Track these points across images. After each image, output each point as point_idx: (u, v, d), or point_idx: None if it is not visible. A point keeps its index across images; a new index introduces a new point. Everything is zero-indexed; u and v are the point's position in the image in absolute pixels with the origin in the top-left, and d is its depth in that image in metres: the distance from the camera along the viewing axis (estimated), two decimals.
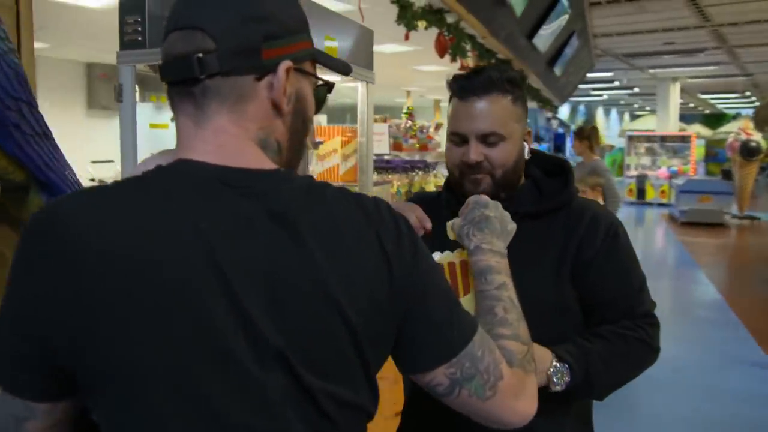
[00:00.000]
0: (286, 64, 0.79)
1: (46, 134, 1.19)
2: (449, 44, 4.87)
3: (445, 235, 1.18)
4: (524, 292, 1.16)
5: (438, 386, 0.82)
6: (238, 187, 0.75)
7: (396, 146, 4.46)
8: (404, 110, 5.17)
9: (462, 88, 1.28)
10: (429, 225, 1.19)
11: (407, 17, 4.22)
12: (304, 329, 0.74)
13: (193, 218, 0.71)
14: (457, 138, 1.29)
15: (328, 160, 2.87)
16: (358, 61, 2.39)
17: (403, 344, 0.81)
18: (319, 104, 0.90)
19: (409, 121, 4.78)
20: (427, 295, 0.82)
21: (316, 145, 2.30)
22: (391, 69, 8.91)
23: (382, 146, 3.77)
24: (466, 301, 1.10)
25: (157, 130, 2.38)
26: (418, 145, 4.79)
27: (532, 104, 10.86)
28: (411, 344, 0.81)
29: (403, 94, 12.41)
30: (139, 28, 1.92)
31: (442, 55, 4.93)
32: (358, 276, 0.77)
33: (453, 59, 5.27)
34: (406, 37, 4.39)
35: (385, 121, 4.51)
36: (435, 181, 3.69)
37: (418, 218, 1.20)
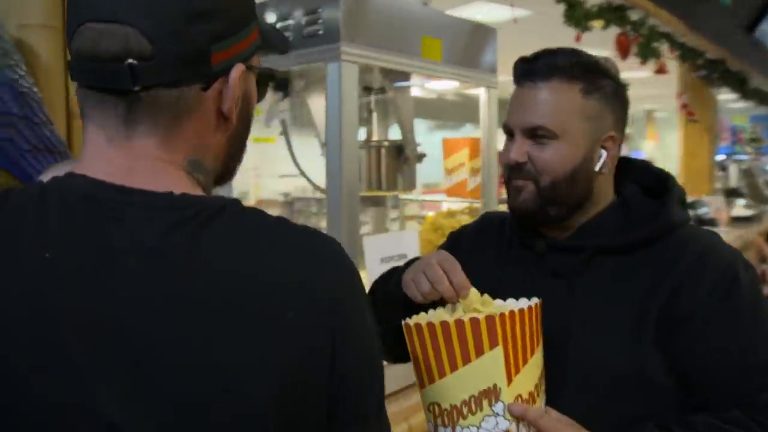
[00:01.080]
0: (240, 68, 0.64)
1: (50, 149, 1.17)
2: (632, 44, 4.34)
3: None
4: (591, 359, 0.93)
5: None
6: (109, 209, 0.58)
7: None
8: None
9: (520, 71, 1.00)
10: (465, 293, 0.90)
11: (577, 16, 3.82)
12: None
13: (42, 245, 0.56)
14: (507, 132, 1.01)
15: (455, 174, 2.65)
16: (476, 63, 2.14)
17: None
18: (261, 95, 0.73)
19: None
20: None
21: (420, 158, 2.10)
22: None
23: None
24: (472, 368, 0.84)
25: (261, 144, 2.37)
26: None
27: (760, 109, 9.40)
28: None
29: None
30: None
31: (624, 57, 4.41)
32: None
33: (643, 62, 4.69)
34: (578, 39, 3.98)
35: None
36: None
37: (454, 284, 0.90)
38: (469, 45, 2.10)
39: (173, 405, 0.55)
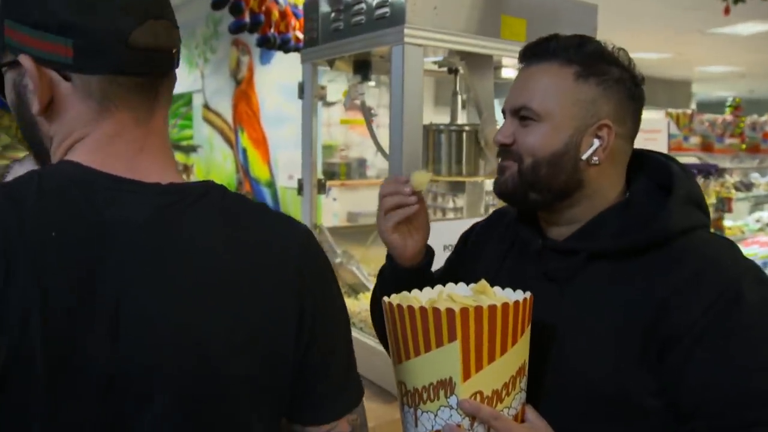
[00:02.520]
0: None
1: None
2: None
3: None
4: (570, 372, 0.88)
5: None
6: (106, 194, 0.66)
7: (706, 146, 3.67)
8: (728, 103, 4.24)
9: (521, 54, 0.97)
10: (402, 180, 0.99)
11: None
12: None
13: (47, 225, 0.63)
14: (503, 114, 0.99)
15: None
16: None
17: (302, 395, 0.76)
18: None
19: (733, 116, 3.90)
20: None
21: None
22: (755, 55, 7.42)
23: (657, 146, 3.12)
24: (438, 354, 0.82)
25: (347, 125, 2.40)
26: (744, 146, 3.88)
27: None
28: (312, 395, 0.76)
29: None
30: (315, 25, 1.96)
31: None
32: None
33: None
34: (726, 11, 3.58)
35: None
36: (722, 191, 2.91)
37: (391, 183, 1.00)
38: (563, 24, 1.97)
39: (151, 355, 0.63)
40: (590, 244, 0.91)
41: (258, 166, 5.03)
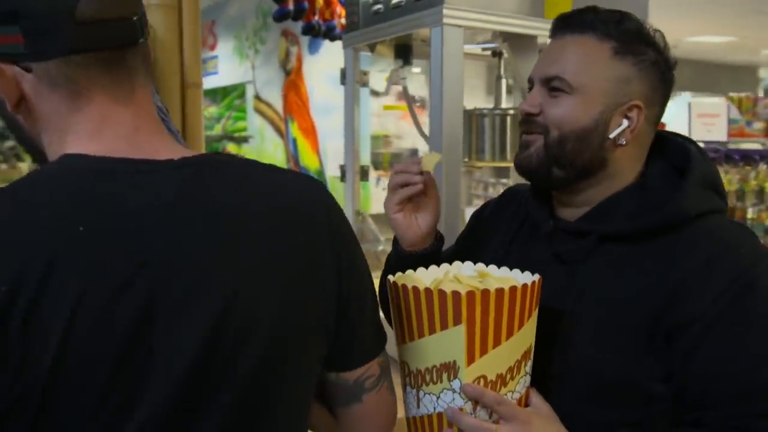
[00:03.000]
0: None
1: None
2: None
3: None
4: (577, 356, 0.86)
5: (369, 378, 0.79)
6: (127, 180, 0.65)
7: (736, 131, 3.41)
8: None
9: (556, 24, 0.93)
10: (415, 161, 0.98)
11: None
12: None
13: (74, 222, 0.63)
14: (529, 85, 0.95)
15: None
16: None
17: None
18: None
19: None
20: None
21: None
22: None
23: (715, 131, 2.96)
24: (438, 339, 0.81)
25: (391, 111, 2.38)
26: None
27: None
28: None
29: None
30: (356, 9, 1.94)
31: None
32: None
33: None
34: None
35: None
36: None
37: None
38: (611, 5, 1.89)
39: (203, 317, 0.63)
40: (602, 226, 0.89)
41: (308, 156, 5.07)
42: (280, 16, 2.57)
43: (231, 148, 6.36)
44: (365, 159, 2.30)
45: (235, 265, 0.65)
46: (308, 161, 5.06)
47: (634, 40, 0.88)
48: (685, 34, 6.98)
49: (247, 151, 6.03)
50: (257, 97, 5.73)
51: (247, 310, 0.65)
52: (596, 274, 0.87)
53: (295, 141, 5.24)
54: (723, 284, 0.79)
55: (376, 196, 4.39)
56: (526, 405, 0.84)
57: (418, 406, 0.84)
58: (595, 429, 0.83)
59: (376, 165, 4.44)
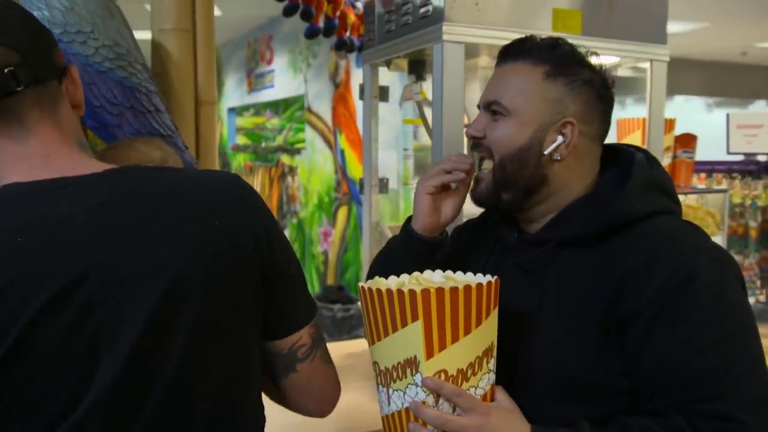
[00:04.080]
0: (74, 67, 0.84)
1: (152, 134, 1.40)
2: None
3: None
4: (538, 357, 0.93)
5: (301, 348, 0.88)
6: (56, 193, 0.75)
7: None
8: None
9: (499, 54, 1.04)
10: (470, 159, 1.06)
11: None
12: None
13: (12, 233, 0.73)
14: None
15: None
16: (639, 35, 1.91)
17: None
18: None
19: None
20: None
21: None
22: None
23: (757, 143, 2.83)
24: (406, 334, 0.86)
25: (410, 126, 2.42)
26: None
27: None
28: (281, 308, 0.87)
29: None
30: (372, 27, 2.00)
31: None
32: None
33: None
34: None
35: None
36: None
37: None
38: (627, 14, 1.88)
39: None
40: (558, 233, 0.95)
41: (354, 167, 5.16)
42: (311, 34, 2.65)
43: (284, 159, 6.54)
44: (390, 170, 2.35)
45: (164, 254, 0.73)
46: (355, 172, 5.15)
47: (567, 63, 0.96)
48: (756, 39, 6.69)
49: (300, 162, 6.19)
50: (309, 110, 5.88)
51: (181, 290, 0.73)
52: (555, 280, 0.93)
53: (343, 152, 5.35)
54: (663, 277, 0.83)
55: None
56: (492, 401, 0.89)
57: (389, 404, 0.90)
58: (563, 425, 0.87)
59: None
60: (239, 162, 7.89)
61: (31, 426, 0.69)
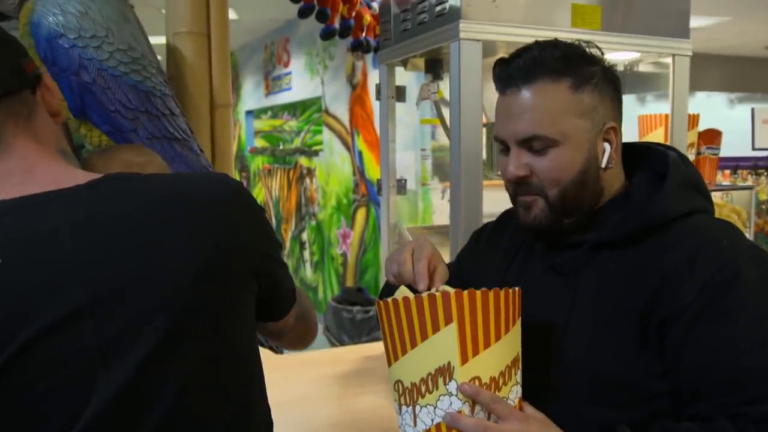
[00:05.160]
0: (48, 76, 0.81)
1: (167, 137, 1.40)
2: None
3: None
4: (576, 360, 0.90)
5: (287, 325, 0.96)
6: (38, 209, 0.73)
7: None
8: None
9: (500, 76, 0.94)
10: (421, 286, 0.94)
11: None
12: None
13: None
14: (501, 145, 0.96)
15: None
16: (661, 30, 1.87)
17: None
18: None
19: None
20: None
21: None
22: None
23: None
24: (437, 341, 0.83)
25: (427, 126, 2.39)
26: None
27: None
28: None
29: None
30: (388, 27, 1.98)
31: None
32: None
33: None
34: None
35: None
36: None
37: (415, 271, 0.95)
38: (647, 7, 1.84)
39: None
40: (592, 235, 0.91)
41: (372, 168, 5.15)
42: (326, 35, 2.64)
43: (302, 161, 6.55)
44: (409, 171, 2.33)
45: (155, 265, 0.71)
46: (373, 174, 5.14)
47: (582, 67, 0.89)
48: None
49: (317, 164, 6.20)
50: (326, 111, 5.88)
51: (177, 300, 0.71)
52: (590, 282, 0.90)
53: (360, 154, 5.34)
54: (706, 276, 0.80)
55: (440, 208, 4.40)
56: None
57: (415, 424, 0.85)
58: (599, 430, 0.84)
59: (442, 177, 4.46)
60: (258, 165, 7.92)
61: None
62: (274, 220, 7.42)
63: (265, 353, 1.74)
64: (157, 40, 1.56)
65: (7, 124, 0.75)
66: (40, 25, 1.30)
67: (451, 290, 0.83)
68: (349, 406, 1.78)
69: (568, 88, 0.88)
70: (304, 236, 6.62)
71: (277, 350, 1.50)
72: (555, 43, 0.91)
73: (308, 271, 6.55)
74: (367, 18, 2.78)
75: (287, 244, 7.06)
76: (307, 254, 6.58)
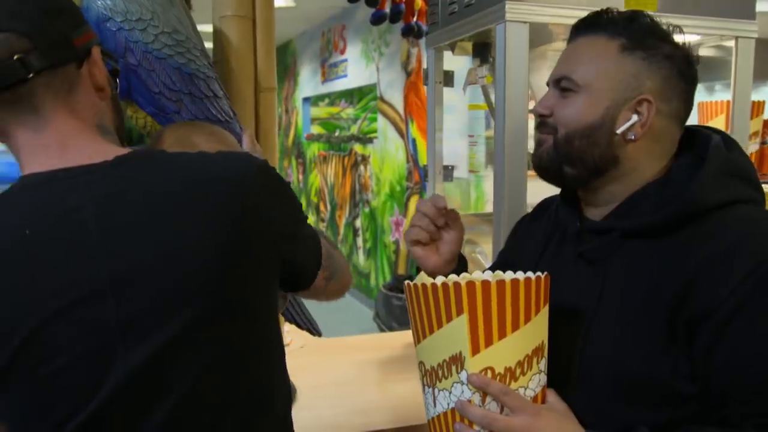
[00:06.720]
0: (97, 48, 0.81)
1: (210, 119, 1.41)
2: None
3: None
4: (600, 354, 0.87)
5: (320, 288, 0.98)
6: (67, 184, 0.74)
7: None
8: None
9: (572, 29, 0.97)
10: (441, 203, 1.02)
11: None
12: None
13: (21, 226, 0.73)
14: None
15: None
16: (723, 11, 1.77)
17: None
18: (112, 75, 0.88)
19: None
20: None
21: None
22: None
23: None
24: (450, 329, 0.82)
25: (476, 111, 2.35)
26: None
27: None
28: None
29: None
30: (436, 9, 1.95)
31: None
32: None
33: None
34: None
35: None
36: None
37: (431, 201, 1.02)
38: None
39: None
40: (624, 222, 0.88)
41: (426, 156, 5.13)
42: (376, 20, 2.63)
43: (357, 148, 6.57)
44: (461, 158, 2.29)
45: (176, 245, 0.72)
46: (426, 161, 5.12)
47: (645, 36, 0.88)
48: None
49: (372, 151, 6.21)
50: (381, 99, 5.88)
51: (197, 281, 0.72)
52: (620, 271, 0.86)
53: (414, 141, 5.31)
54: (741, 274, 0.75)
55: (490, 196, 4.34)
56: (543, 403, 0.84)
57: (435, 405, 0.86)
58: (619, 430, 0.81)
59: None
60: (313, 151, 8.00)
61: (42, 425, 0.69)
62: (329, 206, 7.49)
63: (304, 335, 1.76)
64: (205, 27, 1.58)
65: (46, 98, 0.76)
66: (90, 8, 1.33)
67: (477, 278, 0.82)
68: (390, 392, 1.78)
69: (617, 47, 0.88)
70: (358, 223, 6.65)
71: (314, 333, 1.51)
72: (635, 12, 0.90)
73: (361, 258, 6.59)
74: (419, 2, 2.75)
75: (341, 230, 7.12)
76: (360, 241, 6.62)
